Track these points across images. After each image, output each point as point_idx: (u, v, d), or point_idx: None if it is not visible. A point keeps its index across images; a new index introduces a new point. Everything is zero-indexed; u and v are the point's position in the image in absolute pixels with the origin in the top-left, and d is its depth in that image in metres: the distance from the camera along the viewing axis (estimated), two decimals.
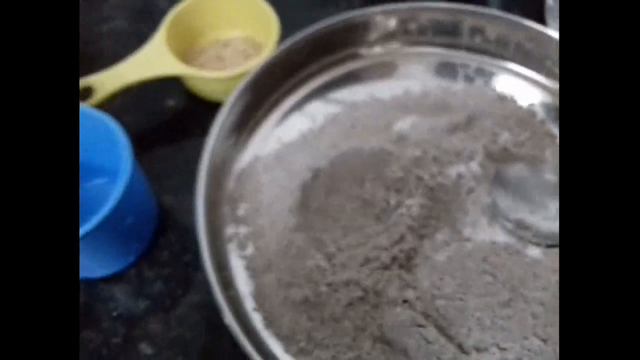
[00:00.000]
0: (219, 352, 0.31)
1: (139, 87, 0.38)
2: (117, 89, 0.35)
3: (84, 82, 0.35)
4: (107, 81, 0.35)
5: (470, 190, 0.33)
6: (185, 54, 0.40)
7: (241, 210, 0.34)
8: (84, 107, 0.31)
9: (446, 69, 0.40)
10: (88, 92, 0.35)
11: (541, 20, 0.40)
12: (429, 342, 0.27)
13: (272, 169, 0.36)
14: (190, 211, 0.36)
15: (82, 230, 0.26)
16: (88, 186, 0.35)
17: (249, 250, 0.33)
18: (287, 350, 0.29)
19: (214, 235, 0.32)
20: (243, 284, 0.31)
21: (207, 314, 0.32)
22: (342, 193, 0.33)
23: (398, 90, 0.39)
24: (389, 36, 0.41)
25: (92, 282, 0.33)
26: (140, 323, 0.32)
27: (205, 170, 0.32)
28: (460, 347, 0.28)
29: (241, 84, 0.35)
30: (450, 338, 0.28)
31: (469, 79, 0.40)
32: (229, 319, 0.27)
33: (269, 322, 0.30)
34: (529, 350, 0.27)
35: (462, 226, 0.32)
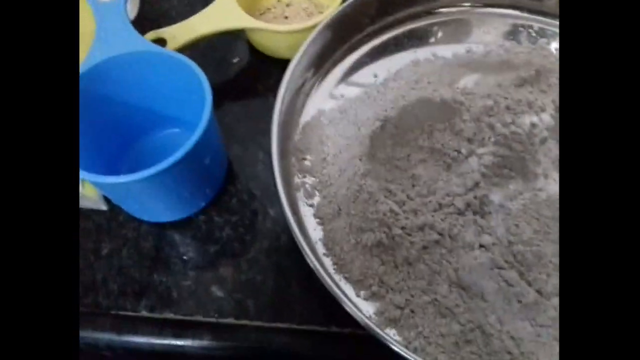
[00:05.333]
0: (288, 296, 0.29)
1: (205, 44, 0.37)
2: (188, 41, 0.34)
3: (156, 34, 0.34)
4: (179, 33, 0.34)
5: (543, 141, 0.30)
6: (250, 13, 0.39)
7: (307, 162, 0.33)
8: (168, 51, 0.30)
9: (508, 30, 0.38)
10: (161, 43, 0.34)
11: None
12: (510, 285, 0.25)
13: (336, 122, 0.34)
14: (257, 161, 0.35)
15: (169, 162, 0.24)
16: (163, 134, 0.33)
17: (316, 199, 0.31)
18: (359, 294, 0.27)
19: (284, 184, 0.30)
20: (312, 230, 0.30)
21: (277, 259, 0.30)
22: (409, 144, 0.31)
23: (460, 50, 0.37)
24: None
25: (162, 228, 0.32)
26: (211, 267, 0.30)
27: (277, 122, 0.31)
28: (539, 292, 0.26)
29: (308, 38, 0.34)
30: (528, 283, 0.26)
31: (531, 39, 0.38)
32: (310, 258, 0.25)
33: (340, 267, 0.28)
34: None
35: (534, 177, 0.30)
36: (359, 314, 0.24)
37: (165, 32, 0.34)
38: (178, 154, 0.25)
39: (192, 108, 0.29)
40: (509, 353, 0.25)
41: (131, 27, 0.30)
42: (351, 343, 0.27)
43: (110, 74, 0.29)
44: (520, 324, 0.25)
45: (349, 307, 0.24)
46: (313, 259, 0.25)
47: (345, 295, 0.27)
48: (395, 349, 0.23)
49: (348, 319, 0.28)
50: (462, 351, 0.25)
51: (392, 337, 0.24)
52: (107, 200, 0.32)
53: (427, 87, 0.33)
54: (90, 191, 0.31)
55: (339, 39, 0.37)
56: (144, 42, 0.30)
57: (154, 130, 0.34)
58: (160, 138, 0.34)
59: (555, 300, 0.25)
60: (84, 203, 0.32)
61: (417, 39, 0.38)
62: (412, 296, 0.27)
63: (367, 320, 0.23)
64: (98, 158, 0.30)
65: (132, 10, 0.37)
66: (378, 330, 0.23)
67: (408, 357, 0.22)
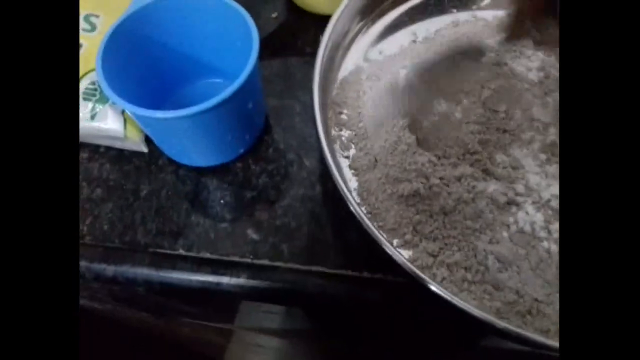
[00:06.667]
0: (321, 241, 0.29)
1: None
2: None
3: None
4: None
5: None
6: None
7: (344, 116, 0.33)
8: None
9: None
10: None
11: None
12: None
13: (374, 78, 0.34)
14: (293, 114, 0.35)
15: (217, 100, 0.25)
16: (203, 83, 0.34)
17: (352, 151, 0.31)
18: (392, 241, 0.28)
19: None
20: (347, 180, 0.30)
21: (311, 207, 0.31)
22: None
23: (501, 13, 0.37)
24: None
25: (200, 173, 0.32)
26: (247, 211, 0.31)
27: (319, 74, 0.31)
28: None
29: None
30: None
31: None
32: (350, 202, 0.25)
33: (374, 215, 0.28)
34: None
35: None
36: (399, 255, 0.24)
37: None
38: (225, 93, 0.25)
39: (235, 57, 0.29)
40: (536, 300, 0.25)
41: None
42: (383, 288, 0.28)
43: (156, 17, 0.29)
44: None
45: (388, 250, 0.24)
46: (354, 202, 0.25)
47: (378, 241, 0.27)
48: (435, 289, 0.23)
49: (380, 265, 0.28)
50: (494, 300, 0.25)
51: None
52: (147, 143, 0.33)
53: (467, 46, 0.33)
54: (133, 133, 0.31)
55: None
56: None
57: (195, 79, 0.34)
58: (200, 87, 0.34)
59: None
60: (125, 145, 0.32)
61: (458, 0, 0.38)
62: (446, 245, 0.27)
63: (406, 261, 0.24)
64: (141, 99, 0.30)
65: None
66: (417, 271, 0.23)
67: (445, 297, 0.23)
